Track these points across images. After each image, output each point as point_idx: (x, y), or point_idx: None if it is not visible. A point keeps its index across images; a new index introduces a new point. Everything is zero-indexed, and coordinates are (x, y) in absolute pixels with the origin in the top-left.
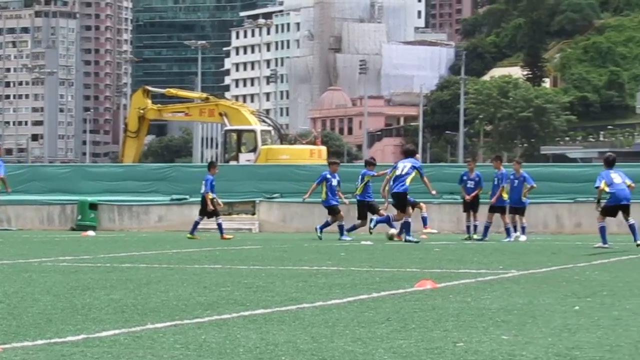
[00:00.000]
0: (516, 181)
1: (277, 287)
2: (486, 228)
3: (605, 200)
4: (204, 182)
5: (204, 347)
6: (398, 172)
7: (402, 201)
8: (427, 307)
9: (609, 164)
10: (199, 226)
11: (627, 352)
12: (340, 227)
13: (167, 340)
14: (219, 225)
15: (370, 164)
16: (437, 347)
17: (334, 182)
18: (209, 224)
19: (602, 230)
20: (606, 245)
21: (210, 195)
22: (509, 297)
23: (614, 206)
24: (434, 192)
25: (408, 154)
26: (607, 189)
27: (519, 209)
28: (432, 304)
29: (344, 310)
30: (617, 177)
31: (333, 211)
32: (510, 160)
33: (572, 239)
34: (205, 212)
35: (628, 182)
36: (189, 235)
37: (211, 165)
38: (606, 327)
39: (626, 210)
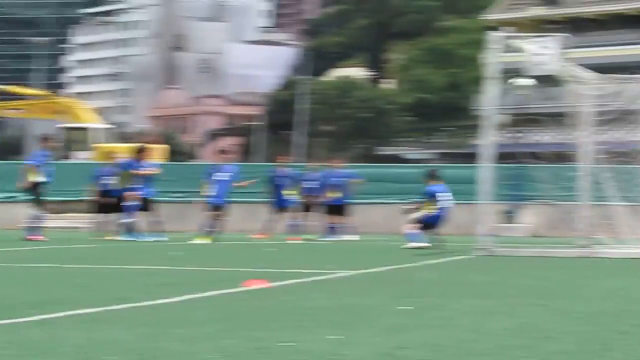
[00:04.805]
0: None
1: (105, 286)
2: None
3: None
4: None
5: (27, 345)
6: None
7: None
8: (254, 306)
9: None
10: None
11: (451, 352)
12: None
13: None
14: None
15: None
16: (264, 347)
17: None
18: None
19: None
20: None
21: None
22: (339, 297)
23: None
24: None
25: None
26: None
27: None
28: (259, 304)
29: (172, 309)
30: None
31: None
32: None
33: (403, 240)
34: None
35: None
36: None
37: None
38: (434, 327)
39: None
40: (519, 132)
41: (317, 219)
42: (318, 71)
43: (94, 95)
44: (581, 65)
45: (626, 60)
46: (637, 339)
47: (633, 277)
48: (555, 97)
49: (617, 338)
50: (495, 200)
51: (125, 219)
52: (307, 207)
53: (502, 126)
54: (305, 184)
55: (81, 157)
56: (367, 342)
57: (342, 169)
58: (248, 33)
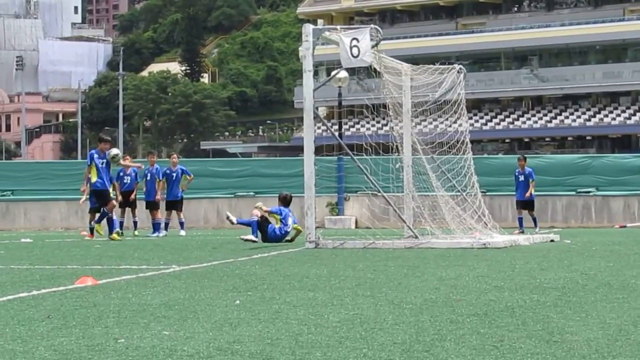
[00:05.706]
0: None
1: None
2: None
3: None
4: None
5: None
6: None
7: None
8: (88, 304)
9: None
10: None
11: (286, 345)
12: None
13: None
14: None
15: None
16: (99, 344)
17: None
18: None
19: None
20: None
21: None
22: (170, 292)
23: None
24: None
25: None
26: None
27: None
28: (93, 301)
29: (3, 308)
30: None
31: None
32: (169, 155)
33: (232, 234)
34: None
35: None
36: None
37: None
38: (267, 321)
39: None
40: (340, 124)
41: (141, 215)
42: (134, 67)
43: None
44: (394, 56)
45: (437, 50)
46: (469, 328)
47: (461, 267)
48: (372, 89)
49: (450, 328)
50: (320, 193)
51: None
52: (128, 203)
53: (322, 118)
54: (125, 179)
55: None
56: (202, 337)
57: (175, 164)
58: (61, 29)
